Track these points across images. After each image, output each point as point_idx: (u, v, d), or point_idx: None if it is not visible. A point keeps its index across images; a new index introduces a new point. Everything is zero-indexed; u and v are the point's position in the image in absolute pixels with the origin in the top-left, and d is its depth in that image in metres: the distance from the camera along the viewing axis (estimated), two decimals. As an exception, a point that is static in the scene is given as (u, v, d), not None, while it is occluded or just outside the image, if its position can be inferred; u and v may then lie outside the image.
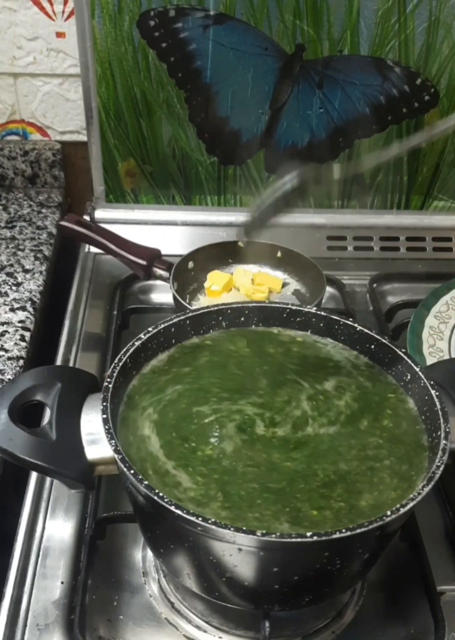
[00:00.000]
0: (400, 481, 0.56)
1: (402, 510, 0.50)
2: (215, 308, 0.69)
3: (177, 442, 0.58)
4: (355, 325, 0.68)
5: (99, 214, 1.12)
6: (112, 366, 0.60)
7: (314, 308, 0.70)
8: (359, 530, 0.48)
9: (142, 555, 0.68)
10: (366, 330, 0.67)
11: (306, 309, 0.69)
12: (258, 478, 0.55)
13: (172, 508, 0.48)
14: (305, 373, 0.65)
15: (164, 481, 0.54)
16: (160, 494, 0.49)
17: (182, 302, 0.89)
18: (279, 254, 1.00)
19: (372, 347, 0.67)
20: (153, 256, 0.96)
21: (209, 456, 0.57)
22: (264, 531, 0.48)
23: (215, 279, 0.95)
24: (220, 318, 0.69)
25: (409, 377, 0.63)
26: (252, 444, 0.58)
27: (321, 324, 0.69)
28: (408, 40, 0.98)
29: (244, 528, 0.48)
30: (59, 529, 0.69)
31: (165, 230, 1.11)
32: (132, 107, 1.03)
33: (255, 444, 0.58)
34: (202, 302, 0.96)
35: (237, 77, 1.00)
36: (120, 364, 0.60)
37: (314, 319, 0.69)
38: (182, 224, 1.12)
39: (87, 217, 1.10)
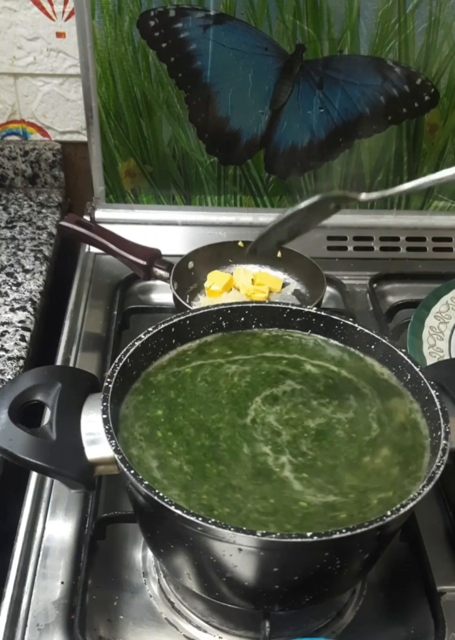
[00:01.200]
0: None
1: (402, 510, 0.50)
2: (216, 308, 0.69)
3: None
4: (355, 325, 0.68)
5: (99, 214, 1.12)
6: (112, 366, 0.60)
7: (314, 308, 0.70)
8: (359, 530, 0.48)
9: (142, 555, 0.68)
10: (366, 331, 0.67)
11: (306, 309, 0.69)
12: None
13: (172, 508, 0.48)
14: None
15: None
16: (160, 494, 0.49)
17: (182, 302, 0.89)
18: (279, 254, 1.00)
19: (372, 347, 0.67)
20: (153, 256, 0.96)
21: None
22: (264, 531, 0.48)
23: (215, 279, 0.95)
24: (221, 318, 0.69)
25: (409, 377, 0.63)
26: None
27: (321, 324, 0.69)
28: (408, 40, 0.98)
29: (244, 528, 0.48)
30: (59, 529, 0.69)
31: (165, 230, 1.11)
32: (132, 107, 1.03)
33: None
34: (202, 302, 0.96)
35: (237, 77, 1.00)
36: (121, 364, 0.60)
37: (314, 319, 0.69)
38: (182, 224, 1.12)
39: (87, 217, 1.10)
